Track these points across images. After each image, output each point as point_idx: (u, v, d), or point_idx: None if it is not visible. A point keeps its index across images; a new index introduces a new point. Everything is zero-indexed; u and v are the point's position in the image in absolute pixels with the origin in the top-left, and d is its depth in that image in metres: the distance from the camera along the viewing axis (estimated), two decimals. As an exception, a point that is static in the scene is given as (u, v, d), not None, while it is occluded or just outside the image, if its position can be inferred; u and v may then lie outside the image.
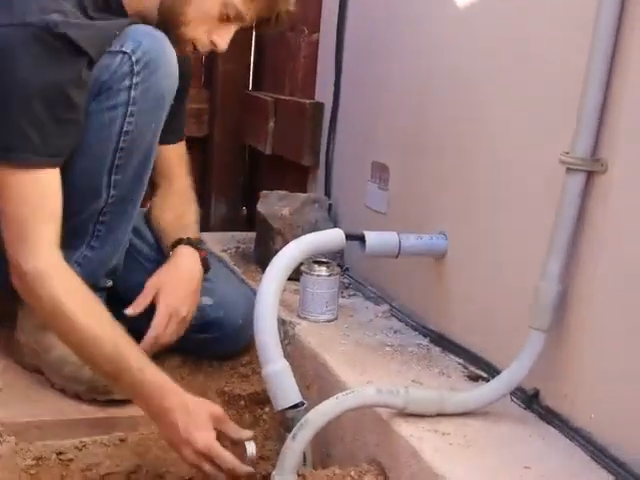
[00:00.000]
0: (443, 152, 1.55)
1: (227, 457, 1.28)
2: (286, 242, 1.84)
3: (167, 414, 1.30)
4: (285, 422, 1.30)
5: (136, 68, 1.42)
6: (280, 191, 2.00)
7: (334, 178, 2.03)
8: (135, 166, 1.50)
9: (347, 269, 1.92)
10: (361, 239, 1.51)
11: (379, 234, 1.52)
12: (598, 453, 1.14)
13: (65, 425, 1.47)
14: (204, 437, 1.28)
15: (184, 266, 1.62)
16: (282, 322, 1.61)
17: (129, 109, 1.44)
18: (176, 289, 1.58)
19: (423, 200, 1.62)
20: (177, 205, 1.74)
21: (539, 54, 1.29)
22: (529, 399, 1.29)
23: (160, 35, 1.46)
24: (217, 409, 1.34)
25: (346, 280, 1.89)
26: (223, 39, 1.51)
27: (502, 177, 1.38)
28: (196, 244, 1.66)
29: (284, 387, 1.30)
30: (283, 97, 2.26)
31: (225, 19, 1.48)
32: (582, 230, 1.19)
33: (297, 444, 1.19)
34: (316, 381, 1.46)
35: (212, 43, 1.51)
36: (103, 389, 1.49)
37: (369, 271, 1.83)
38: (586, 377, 1.19)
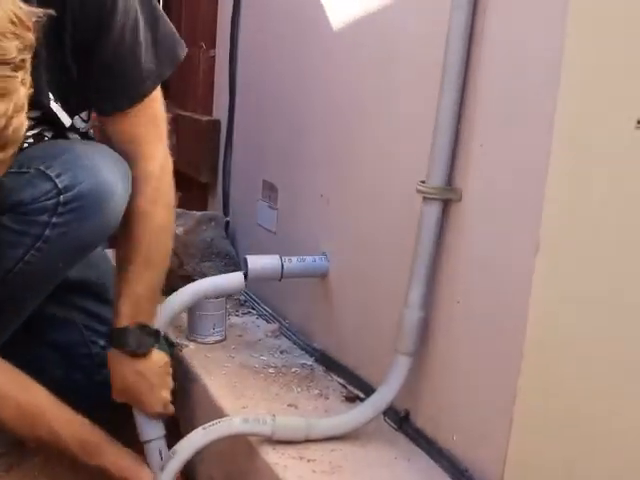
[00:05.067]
0: (320, 174, 1.57)
1: None
2: (180, 262, 1.88)
3: None
4: None
5: (60, 209, 1.22)
6: (176, 209, 1.99)
7: (231, 195, 2.03)
8: (19, 296, 1.33)
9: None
10: (244, 263, 1.52)
11: (261, 258, 1.53)
12: (459, 475, 1.17)
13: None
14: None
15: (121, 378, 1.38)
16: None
17: (38, 244, 1.24)
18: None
19: (306, 220, 1.63)
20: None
21: (400, 78, 1.31)
22: (400, 420, 1.32)
23: (107, 176, 1.25)
24: None
25: (242, 297, 1.90)
26: None
27: (373, 203, 1.40)
28: (123, 343, 1.35)
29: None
30: (183, 113, 2.25)
31: None
32: (440, 258, 1.21)
33: (166, 475, 1.20)
34: (199, 406, 1.47)
35: None
36: None
37: (263, 288, 1.84)
38: (448, 400, 1.22)
